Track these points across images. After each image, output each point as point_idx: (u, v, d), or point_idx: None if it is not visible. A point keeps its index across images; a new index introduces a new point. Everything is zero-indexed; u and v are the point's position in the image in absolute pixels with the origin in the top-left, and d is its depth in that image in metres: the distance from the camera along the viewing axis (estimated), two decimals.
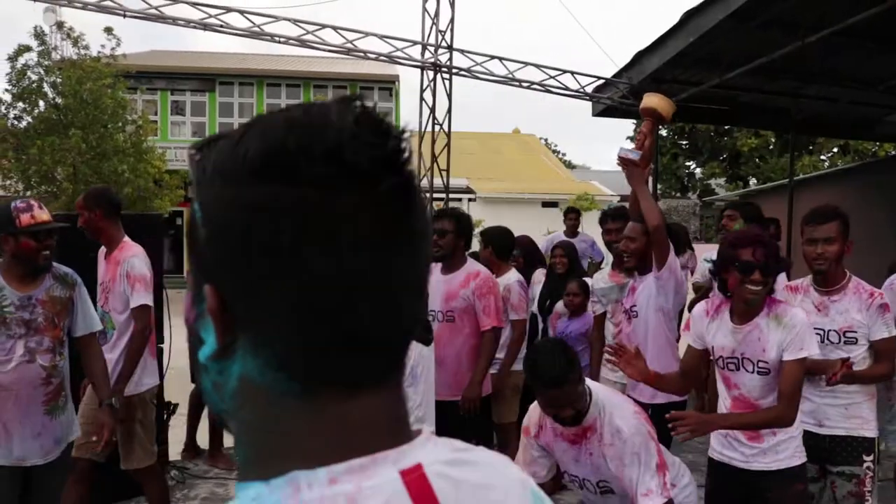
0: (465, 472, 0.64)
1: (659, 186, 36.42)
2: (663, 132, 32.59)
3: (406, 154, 0.60)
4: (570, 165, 44.70)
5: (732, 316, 2.84)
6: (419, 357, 3.11)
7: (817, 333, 3.05)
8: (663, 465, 2.53)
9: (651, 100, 3.62)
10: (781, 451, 2.81)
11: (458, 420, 3.79)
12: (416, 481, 0.60)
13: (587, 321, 4.84)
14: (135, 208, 15.89)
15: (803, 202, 12.45)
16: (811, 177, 15.31)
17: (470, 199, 26.62)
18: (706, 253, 6.70)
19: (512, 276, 4.65)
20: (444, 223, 4.14)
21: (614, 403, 2.59)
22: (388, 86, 26.03)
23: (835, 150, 30.06)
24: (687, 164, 34.31)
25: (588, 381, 2.66)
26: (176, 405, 5.75)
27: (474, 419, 3.99)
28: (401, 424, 0.64)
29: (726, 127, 30.78)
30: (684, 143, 33.39)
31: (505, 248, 4.88)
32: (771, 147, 31.05)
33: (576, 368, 2.53)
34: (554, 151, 45.62)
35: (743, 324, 2.79)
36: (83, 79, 17.03)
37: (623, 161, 3.50)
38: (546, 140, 47.01)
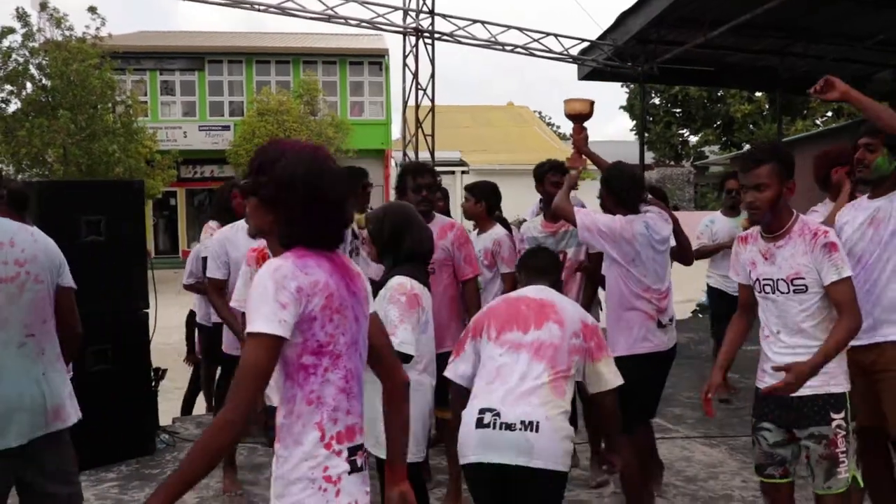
0: None
1: (653, 155, 36.01)
2: (655, 100, 32.47)
3: None
4: (564, 137, 44.48)
5: None
6: (428, 304, 3.03)
7: (766, 284, 2.81)
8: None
9: (567, 105, 4.09)
10: None
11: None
12: None
13: None
14: None
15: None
16: (800, 137, 15.27)
17: (463, 172, 26.57)
18: (708, 216, 6.73)
19: (501, 231, 4.67)
20: (429, 178, 4.12)
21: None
22: (378, 60, 25.87)
23: (829, 113, 29.97)
24: (681, 132, 34.22)
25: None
26: (164, 370, 5.82)
27: None
28: None
29: (720, 93, 30.64)
30: (677, 111, 33.28)
31: (497, 204, 4.94)
32: (764, 113, 30.94)
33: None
34: (548, 124, 45.38)
35: None
36: (69, 60, 16.93)
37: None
38: (540, 112, 46.80)
